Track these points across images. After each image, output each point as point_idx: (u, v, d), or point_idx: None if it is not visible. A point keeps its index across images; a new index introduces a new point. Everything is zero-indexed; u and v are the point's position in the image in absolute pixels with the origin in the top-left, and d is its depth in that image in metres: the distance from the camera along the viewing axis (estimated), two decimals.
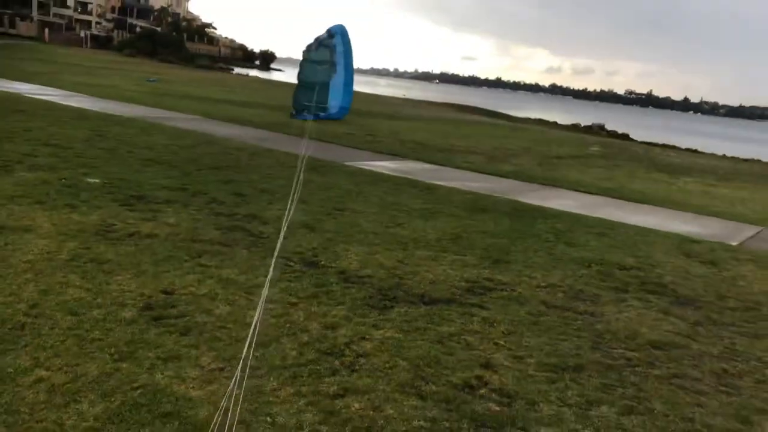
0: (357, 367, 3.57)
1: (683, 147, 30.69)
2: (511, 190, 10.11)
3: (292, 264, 5.15)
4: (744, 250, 7.67)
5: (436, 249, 6.11)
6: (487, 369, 3.75)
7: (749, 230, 8.88)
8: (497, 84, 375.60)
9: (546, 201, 9.35)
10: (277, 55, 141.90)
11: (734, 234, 8.49)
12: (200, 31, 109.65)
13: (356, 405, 3.17)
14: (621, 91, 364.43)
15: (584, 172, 13.35)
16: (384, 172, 10.38)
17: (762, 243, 8.17)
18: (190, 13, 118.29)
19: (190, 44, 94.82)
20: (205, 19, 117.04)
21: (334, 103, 17.78)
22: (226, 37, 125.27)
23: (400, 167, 11.09)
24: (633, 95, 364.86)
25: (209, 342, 3.67)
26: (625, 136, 42.92)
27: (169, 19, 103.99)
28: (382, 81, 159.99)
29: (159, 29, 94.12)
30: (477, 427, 3.12)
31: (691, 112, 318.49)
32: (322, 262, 5.29)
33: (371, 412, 3.12)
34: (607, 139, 31.08)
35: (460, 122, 26.82)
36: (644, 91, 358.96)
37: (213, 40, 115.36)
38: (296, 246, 5.60)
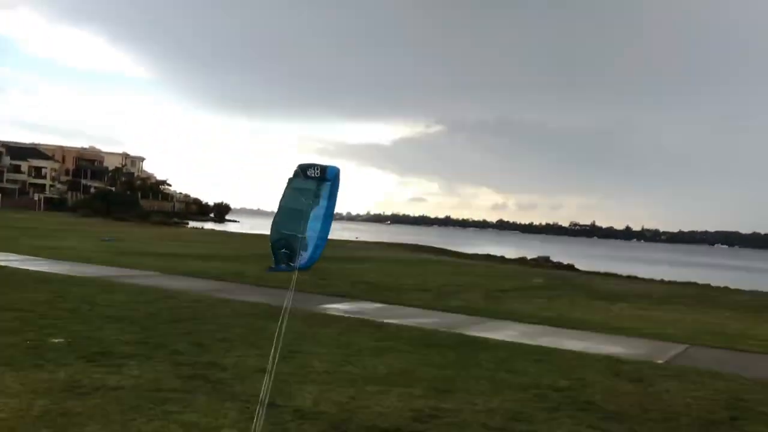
0: None
1: (624, 274, 32.12)
2: (457, 324, 10.74)
3: (249, 406, 5.57)
4: (669, 367, 8.35)
5: (385, 383, 6.60)
6: None
7: (676, 349, 9.62)
8: (446, 222, 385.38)
9: (489, 333, 9.98)
10: (232, 206, 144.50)
11: (661, 353, 9.20)
12: (155, 189, 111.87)
13: None
14: (566, 224, 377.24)
15: (527, 303, 14.13)
16: (336, 314, 10.94)
17: (686, 360, 8.87)
18: (145, 171, 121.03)
19: (144, 201, 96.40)
20: (159, 176, 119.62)
21: (311, 235, 17.06)
22: (180, 193, 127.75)
23: (351, 308, 11.67)
24: (577, 227, 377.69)
25: None
26: (570, 267, 44.56)
27: (123, 179, 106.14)
28: (336, 225, 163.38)
29: (113, 189, 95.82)
30: None
31: (634, 239, 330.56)
32: (278, 402, 5.72)
33: None
34: (552, 270, 32.40)
35: (410, 261, 27.81)
36: (587, 223, 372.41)
37: (167, 196, 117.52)
38: (253, 389, 6.04)
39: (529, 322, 11.45)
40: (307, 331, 9.13)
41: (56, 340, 7.58)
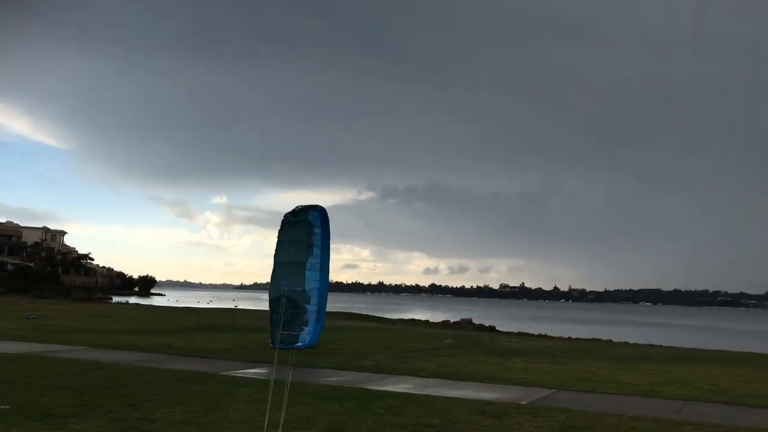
0: None
1: (536, 333, 34.34)
2: (363, 380, 12.28)
3: None
4: (529, 407, 10.12)
5: (290, 428, 8.08)
6: None
7: (542, 393, 11.44)
8: (380, 288, 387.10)
9: (388, 386, 11.58)
10: (158, 278, 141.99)
11: (528, 396, 10.99)
12: (76, 263, 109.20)
13: None
14: (496, 286, 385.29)
15: (430, 361, 15.80)
16: (254, 377, 12.32)
17: (546, 401, 10.68)
18: (66, 246, 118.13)
19: (66, 276, 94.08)
20: (82, 250, 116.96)
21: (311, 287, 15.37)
22: (103, 267, 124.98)
23: (267, 371, 13.04)
24: (507, 289, 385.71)
25: None
26: (491, 328, 46.82)
27: (43, 254, 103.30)
28: (264, 295, 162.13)
29: (32, 265, 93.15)
30: None
31: (563, 300, 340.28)
32: None
33: None
34: (467, 331, 34.34)
35: (332, 328, 29.13)
36: (517, 285, 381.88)
37: (90, 271, 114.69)
38: None
39: (425, 376, 13.11)
40: (226, 391, 10.50)
41: (2, 407, 8.72)
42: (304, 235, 15.15)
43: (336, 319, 35.31)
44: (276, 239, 15.38)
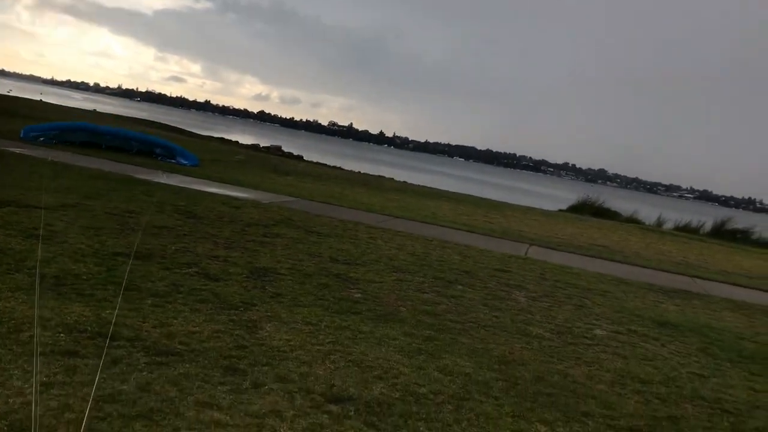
0: None
1: (331, 165, 37.59)
2: (134, 171, 14.21)
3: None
4: (264, 204, 12.74)
5: (52, 191, 9.95)
6: None
7: (285, 198, 14.15)
8: (206, 107, 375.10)
9: (154, 178, 13.65)
10: None
11: (271, 199, 13.65)
12: None
13: None
14: (325, 123, 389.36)
15: (208, 168, 17.99)
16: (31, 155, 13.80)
17: (283, 203, 13.39)
18: None
19: None
20: None
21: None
22: None
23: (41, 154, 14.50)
24: (336, 127, 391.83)
25: None
26: (299, 157, 49.81)
27: None
28: (77, 95, 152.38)
29: None
30: None
31: (386, 145, 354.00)
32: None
33: None
34: (270, 155, 36.77)
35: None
36: (346, 124, 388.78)
37: None
38: None
39: (196, 177, 15.32)
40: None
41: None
42: None
43: (142, 126, 35.84)
44: None
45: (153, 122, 48.15)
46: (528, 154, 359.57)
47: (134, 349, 4.40)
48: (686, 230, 23.64)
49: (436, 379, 4.79)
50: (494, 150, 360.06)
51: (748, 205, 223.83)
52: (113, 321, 4.79)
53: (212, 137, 46.11)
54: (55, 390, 3.64)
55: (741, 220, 26.55)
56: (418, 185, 30.57)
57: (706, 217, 26.50)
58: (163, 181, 13.48)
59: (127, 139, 19.02)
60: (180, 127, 51.22)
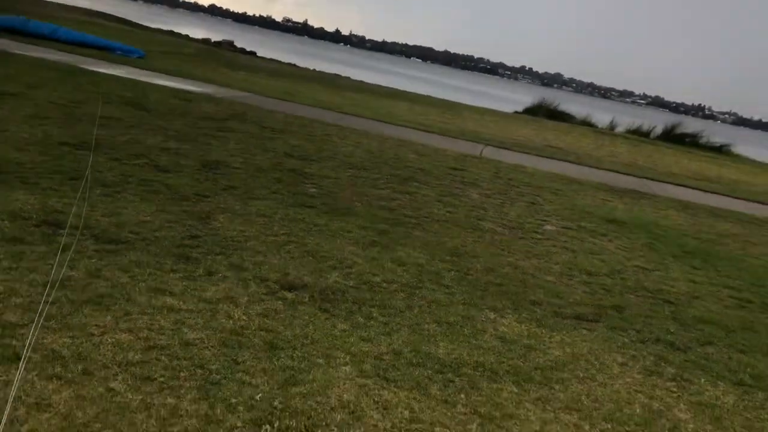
0: None
1: (285, 62, 36.51)
2: (81, 63, 13.54)
3: None
4: (217, 98, 12.37)
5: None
6: None
7: (237, 93, 13.74)
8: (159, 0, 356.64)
9: (102, 69, 13.03)
10: None
11: (222, 93, 13.25)
12: None
13: None
14: (279, 19, 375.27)
15: (162, 62, 17.25)
16: None
17: (234, 98, 13.02)
18: None
19: None
20: None
21: None
22: None
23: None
24: (290, 23, 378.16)
25: None
26: (252, 53, 48.15)
27: None
28: None
29: None
30: None
31: (342, 43, 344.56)
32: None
33: None
34: (227, 52, 35.44)
35: (82, 22, 28.51)
36: (301, 20, 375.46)
37: None
38: None
39: (147, 69, 14.69)
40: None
41: None
42: None
43: (88, 16, 33.94)
44: None
45: (99, 12, 45.51)
46: (486, 57, 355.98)
47: (83, 237, 4.31)
48: (637, 133, 24.02)
49: (390, 269, 4.85)
50: (452, 51, 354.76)
51: (698, 111, 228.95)
52: (59, 209, 4.66)
53: (161, 30, 43.99)
54: (1, 275, 3.55)
55: (690, 125, 27.02)
56: (375, 84, 30.02)
57: (658, 122, 26.88)
58: (103, 71, 12.90)
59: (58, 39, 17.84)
60: (128, 18, 48.60)
